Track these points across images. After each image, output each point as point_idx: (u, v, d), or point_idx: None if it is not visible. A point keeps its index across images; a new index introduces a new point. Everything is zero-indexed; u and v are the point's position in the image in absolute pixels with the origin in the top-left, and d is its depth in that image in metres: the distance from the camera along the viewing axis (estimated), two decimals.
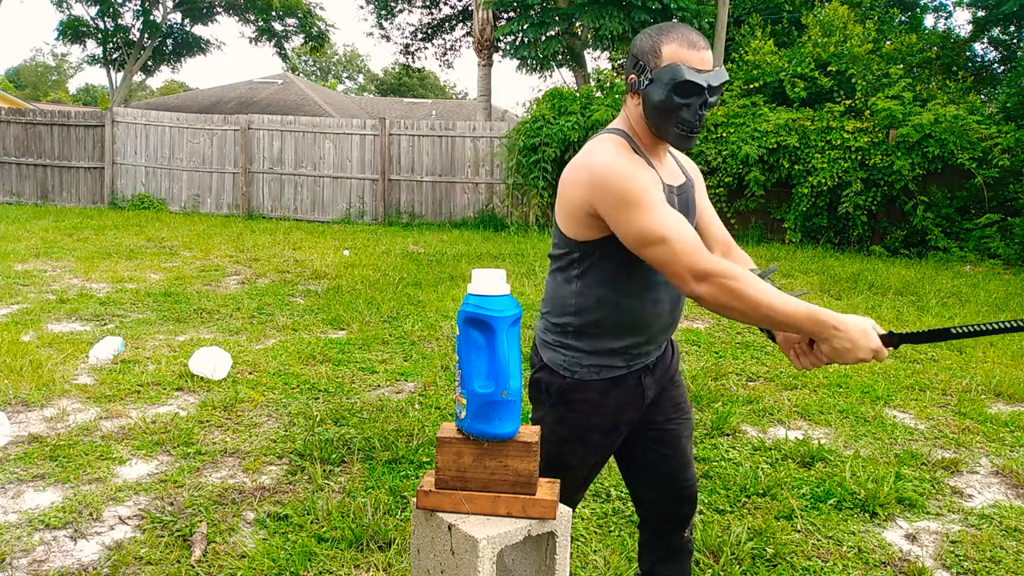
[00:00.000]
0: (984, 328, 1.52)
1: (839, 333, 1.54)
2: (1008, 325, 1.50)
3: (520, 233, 12.53)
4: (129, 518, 2.94)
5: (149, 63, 26.39)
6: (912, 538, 2.97)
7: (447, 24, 24.97)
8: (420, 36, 25.27)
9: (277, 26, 26.59)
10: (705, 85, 1.63)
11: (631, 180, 1.62)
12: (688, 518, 2.03)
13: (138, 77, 28.08)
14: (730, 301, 1.56)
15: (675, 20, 15.52)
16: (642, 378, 1.85)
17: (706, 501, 3.19)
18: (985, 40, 18.30)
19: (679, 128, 1.68)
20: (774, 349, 5.69)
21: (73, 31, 24.66)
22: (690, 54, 1.65)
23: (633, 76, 1.71)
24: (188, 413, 4.04)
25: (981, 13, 17.08)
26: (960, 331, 1.55)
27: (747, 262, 1.92)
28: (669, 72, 1.64)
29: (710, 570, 2.65)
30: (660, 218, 1.60)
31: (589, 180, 1.67)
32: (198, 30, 27.48)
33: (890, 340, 1.58)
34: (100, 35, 24.89)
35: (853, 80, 12.52)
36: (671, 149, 1.87)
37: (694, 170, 1.96)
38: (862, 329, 1.54)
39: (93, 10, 24.54)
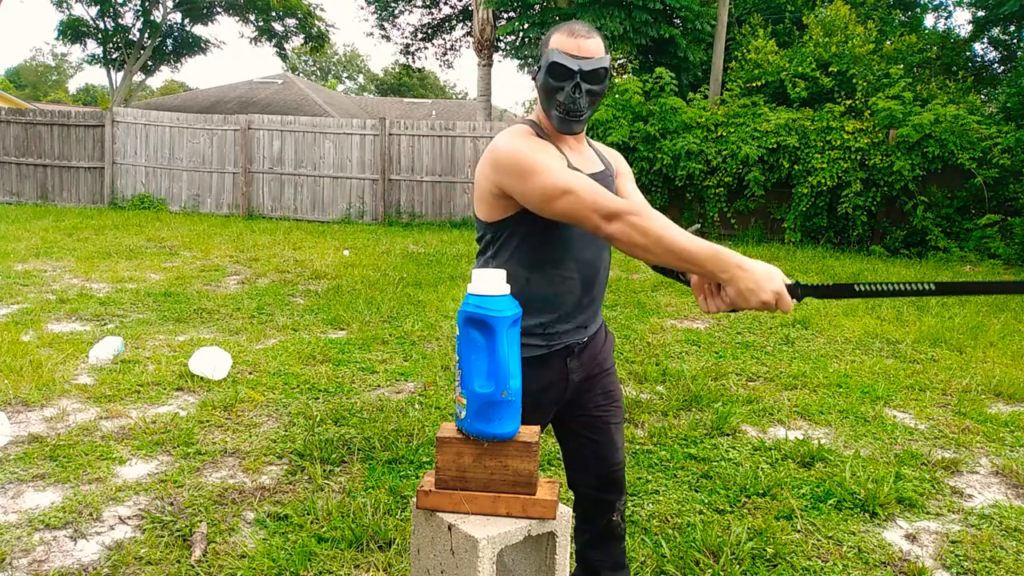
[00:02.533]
0: (887, 289, 1.54)
1: (742, 273, 1.55)
2: (911, 287, 1.53)
3: None
4: (129, 518, 2.94)
5: (149, 63, 26.39)
6: (912, 538, 2.97)
7: (447, 24, 24.98)
8: (420, 36, 25.28)
9: (277, 26, 26.58)
10: (576, 69, 1.77)
11: (527, 152, 1.74)
12: (614, 503, 2.09)
13: (138, 77, 28.07)
14: (638, 238, 1.61)
15: (677, 20, 15.52)
16: (567, 360, 1.92)
17: (706, 501, 3.19)
18: (985, 40, 18.29)
19: (558, 110, 1.81)
20: (774, 349, 5.69)
21: (73, 31, 24.65)
22: (567, 41, 1.79)
23: (534, 68, 1.90)
24: (188, 413, 4.04)
25: (981, 13, 17.07)
26: (863, 289, 1.56)
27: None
28: (546, 57, 1.81)
29: (710, 570, 2.65)
30: (560, 173, 1.70)
31: (492, 161, 1.80)
32: (198, 30, 27.50)
33: (795, 291, 1.59)
34: (100, 35, 24.89)
35: (854, 80, 12.52)
36: (592, 142, 2.01)
37: (618, 161, 2.06)
38: (767, 271, 1.55)
39: (93, 10, 24.55)
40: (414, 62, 26.98)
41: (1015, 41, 17.82)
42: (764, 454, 3.70)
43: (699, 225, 2.13)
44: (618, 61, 15.83)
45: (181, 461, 3.46)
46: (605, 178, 1.92)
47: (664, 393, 4.57)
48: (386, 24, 25.32)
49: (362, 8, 29.71)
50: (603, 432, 2.04)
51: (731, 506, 3.15)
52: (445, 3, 24.25)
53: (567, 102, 1.79)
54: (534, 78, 1.88)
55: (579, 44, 1.78)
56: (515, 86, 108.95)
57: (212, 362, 4.59)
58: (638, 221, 1.61)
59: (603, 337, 2.04)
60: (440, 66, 36.96)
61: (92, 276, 7.74)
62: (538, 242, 1.84)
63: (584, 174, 1.79)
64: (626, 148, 12.29)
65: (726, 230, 12.43)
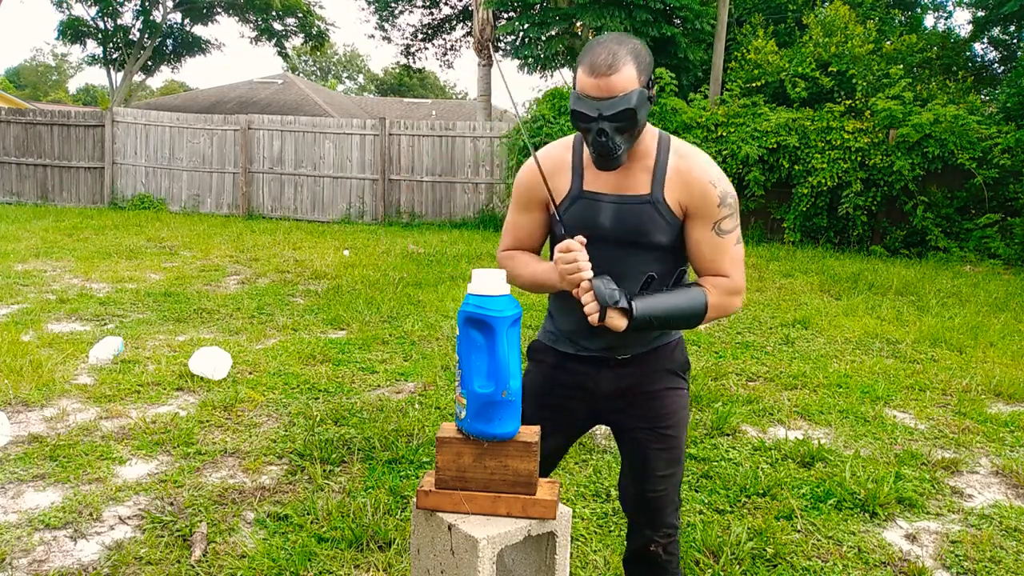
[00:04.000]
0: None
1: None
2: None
3: None
4: (129, 518, 2.94)
5: (149, 63, 26.38)
6: (912, 538, 2.97)
7: (447, 24, 24.97)
8: (420, 36, 25.28)
9: (277, 26, 26.57)
10: (595, 115, 1.69)
11: (515, 184, 1.98)
12: (649, 535, 2.00)
13: (138, 77, 28.06)
14: (510, 278, 1.80)
15: (677, 20, 15.51)
16: (599, 370, 1.94)
17: (706, 501, 3.19)
18: (985, 40, 18.29)
19: (592, 149, 1.75)
20: (774, 349, 5.69)
21: (73, 31, 24.64)
22: (586, 81, 1.70)
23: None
24: (188, 413, 4.04)
25: (981, 13, 17.07)
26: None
27: (716, 296, 1.84)
28: (571, 98, 1.76)
29: (710, 570, 2.65)
30: (504, 229, 2.02)
31: None
32: (198, 30, 27.46)
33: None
34: (100, 35, 24.87)
35: (854, 80, 12.52)
36: (687, 155, 1.85)
37: (696, 195, 1.82)
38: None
39: (93, 10, 24.54)
40: (414, 62, 26.98)
41: (1015, 41, 17.82)
42: (764, 454, 3.70)
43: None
44: None
45: (181, 461, 3.46)
46: (636, 205, 1.81)
47: None
48: (386, 24, 25.32)
49: (363, 9, 29.73)
50: (638, 456, 1.98)
51: (731, 506, 3.15)
52: (445, 3, 24.24)
53: (595, 145, 1.72)
54: None
55: (598, 84, 1.68)
56: (515, 86, 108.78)
57: (212, 362, 4.59)
58: (506, 264, 1.96)
59: (656, 360, 1.96)
60: (440, 66, 36.99)
61: (92, 276, 7.74)
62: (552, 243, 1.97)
63: (604, 195, 1.83)
64: None
65: None
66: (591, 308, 1.70)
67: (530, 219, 1.96)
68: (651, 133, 1.84)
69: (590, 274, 1.71)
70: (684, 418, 2.00)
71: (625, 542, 2.12)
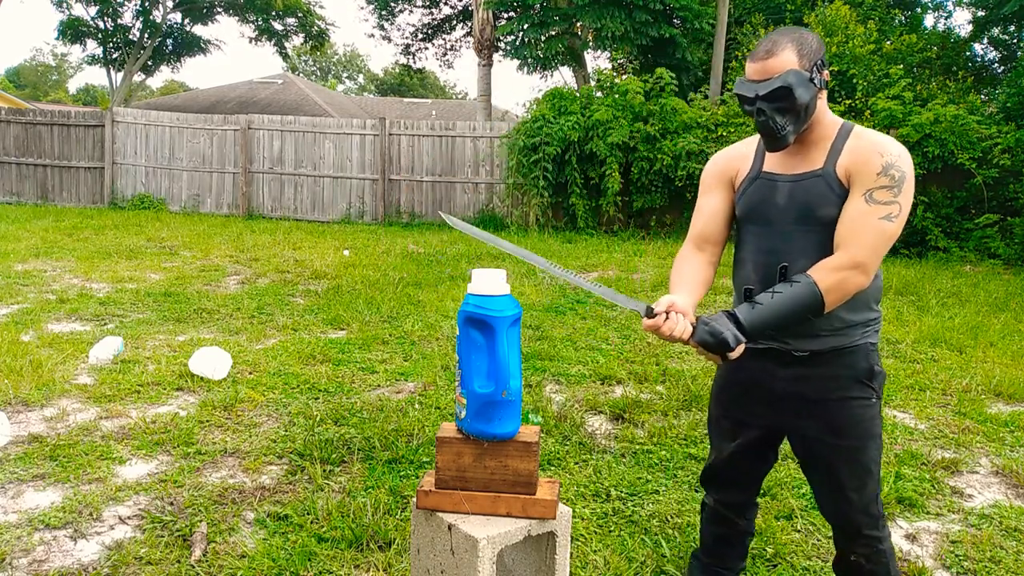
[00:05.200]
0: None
1: None
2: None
3: (520, 233, 12.53)
4: (129, 518, 2.94)
5: (149, 63, 26.38)
6: (912, 538, 2.97)
7: (447, 24, 24.97)
8: (420, 36, 25.27)
9: (277, 26, 26.57)
10: (752, 95, 1.80)
11: (703, 174, 2.09)
12: (844, 543, 2.00)
13: (138, 77, 28.06)
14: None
15: (677, 20, 15.52)
16: (776, 366, 1.93)
17: None
18: (985, 40, 18.29)
19: (757, 129, 1.86)
20: None
21: (73, 31, 24.64)
22: (748, 67, 1.84)
23: None
24: (188, 413, 4.04)
25: (981, 13, 17.07)
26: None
27: (819, 271, 1.80)
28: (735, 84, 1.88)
29: None
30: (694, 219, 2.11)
31: None
32: (198, 30, 27.45)
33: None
34: (100, 35, 24.87)
35: (854, 80, 12.52)
36: (860, 133, 1.87)
37: (859, 163, 1.80)
38: None
39: (93, 10, 24.54)
40: (414, 62, 26.97)
41: (1015, 41, 17.82)
42: None
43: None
44: (618, 61, 15.83)
45: (181, 461, 3.45)
46: (808, 180, 1.86)
47: (664, 393, 4.57)
48: (386, 24, 25.32)
49: (362, 8, 29.72)
50: (823, 469, 1.95)
51: None
52: (445, 3, 24.24)
53: (758, 126, 1.83)
54: None
55: (754, 67, 1.81)
56: (515, 86, 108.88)
57: (212, 362, 4.59)
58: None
59: (838, 365, 1.90)
60: (440, 66, 36.98)
61: (92, 276, 7.74)
62: (736, 242, 2.05)
63: (768, 173, 1.92)
64: (626, 148, 12.30)
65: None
66: (712, 360, 1.77)
67: (713, 200, 2.03)
68: (833, 121, 1.89)
69: (687, 335, 1.73)
70: (871, 431, 1.91)
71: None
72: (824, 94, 1.86)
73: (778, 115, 1.78)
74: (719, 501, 2.20)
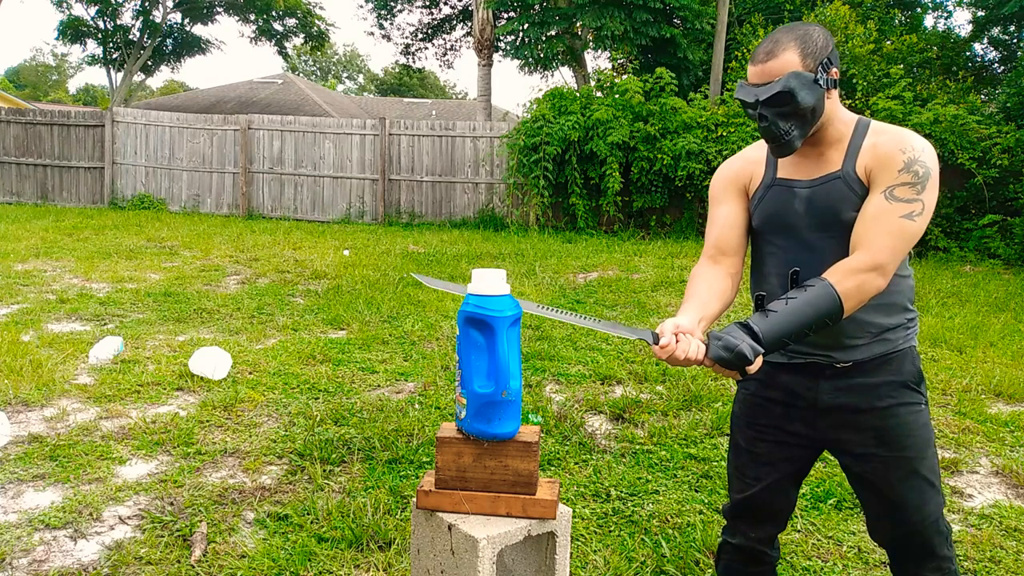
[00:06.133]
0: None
1: None
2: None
3: (520, 233, 12.53)
4: (129, 518, 2.94)
5: (149, 63, 26.38)
6: None
7: (447, 24, 24.97)
8: (420, 36, 25.27)
9: (277, 26, 26.58)
10: (752, 100, 1.71)
11: (712, 183, 1.96)
12: (910, 568, 1.82)
13: (138, 77, 28.06)
14: None
15: (677, 20, 15.52)
16: (816, 380, 1.80)
17: (706, 501, 3.19)
18: (985, 40, 18.28)
19: (762, 136, 1.76)
20: None
21: (73, 31, 24.65)
22: (749, 70, 1.75)
23: None
24: (188, 413, 4.04)
25: (981, 13, 17.06)
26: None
27: (835, 274, 1.69)
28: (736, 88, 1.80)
29: (710, 570, 2.65)
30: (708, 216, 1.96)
31: None
32: (198, 30, 27.47)
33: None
34: (100, 35, 24.88)
35: (854, 80, 12.52)
36: (879, 130, 1.78)
37: (881, 158, 1.71)
38: None
39: (93, 10, 24.54)
40: (414, 62, 26.98)
41: (1015, 41, 17.81)
42: None
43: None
44: (618, 61, 15.83)
45: (181, 461, 3.45)
46: (827, 183, 1.76)
47: (664, 393, 4.57)
48: (386, 24, 25.33)
49: (361, 7, 29.72)
50: (881, 487, 1.79)
51: None
52: (445, 3, 24.24)
53: (762, 132, 1.73)
54: None
55: (755, 70, 1.72)
56: (515, 86, 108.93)
57: (212, 362, 4.59)
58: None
59: (883, 371, 1.78)
60: (440, 66, 36.99)
61: (92, 276, 7.74)
62: (753, 254, 1.89)
63: (797, 181, 1.79)
64: (626, 148, 12.30)
65: None
66: (730, 376, 1.62)
67: (726, 209, 1.89)
68: (846, 119, 1.78)
69: (700, 354, 1.60)
70: (926, 438, 1.79)
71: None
72: (834, 93, 1.74)
73: (781, 120, 1.69)
74: (754, 538, 1.95)
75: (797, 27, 1.74)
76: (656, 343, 1.60)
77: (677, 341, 1.59)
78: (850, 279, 1.64)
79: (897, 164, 1.68)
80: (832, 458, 3.62)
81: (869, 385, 1.77)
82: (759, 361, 1.60)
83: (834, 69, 1.72)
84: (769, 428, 1.88)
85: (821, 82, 1.69)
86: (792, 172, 1.81)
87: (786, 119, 1.69)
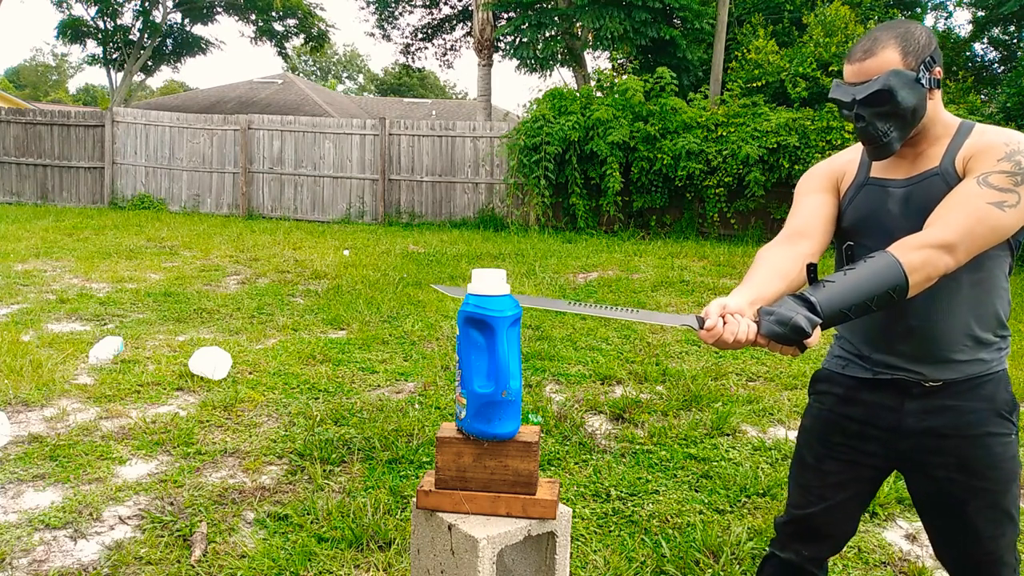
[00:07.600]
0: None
1: None
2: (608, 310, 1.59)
3: (520, 233, 12.53)
4: (129, 518, 2.94)
5: (149, 63, 26.37)
6: (912, 538, 2.97)
7: (447, 24, 24.97)
8: (420, 36, 25.28)
9: (277, 26, 26.57)
10: (849, 100, 1.63)
11: (805, 177, 1.85)
12: None
13: (138, 77, 28.05)
14: None
15: (677, 20, 15.51)
16: (902, 400, 1.70)
17: (706, 501, 3.19)
18: (985, 40, 18.29)
19: (859, 137, 1.67)
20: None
21: (73, 31, 24.63)
22: (845, 68, 1.66)
23: None
24: (188, 413, 4.04)
25: (981, 13, 17.07)
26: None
27: (900, 247, 1.57)
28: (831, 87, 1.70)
29: (710, 570, 2.65)
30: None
31: None
32: (198, 30, 27.44)
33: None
34: (100, 35, 24.87)
35: None
36: (979, 130, 1.68)
37: (979, 148, 1.62)
38: None
39: (93, 10, 24.53)
40: (414, 62, 26.98)
41: (1015, 41, 17.82)
42: (764, 454, 3.70)
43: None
44: (618, 61, 15.83)
45: (181, 461, 3.45)
46: (924, 181, 1.66)
47: (664, 393, 4.57)
48: (386, 24, 25.32)
49: (362, 8, 29.73)
50: (955, 514, 1.69)
51: (731, 506, 3.15)
52: (445, 3, 24.24)
53: (859, 133, 1.64)
54: None
55: (851, 69, 1.63)
56: (515, 86, 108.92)
57: (212, 362, 4.59)
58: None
59: (973, 395, 1.67)
60: (440, 66, 36.99)
61: (92, 276, 7.74)
62: (838, 261, 1.70)
63: (893, 181, 1.69)
64: (626, 148, 12.30)
65: (726, 230, 12.43)
66: (788, 353, 1.50)
67: (814, 199, 1.77)
68: (948, 122, 1.68)
69: (752, 333, 1.47)
70: (1013, 471, 1.68)
71: None
72: (937, 94, 1.64)
73: (879, 120, 1.59)
74: (807, 557, 1.84)
75: (898, 24, 1.64)
76: (701, 327, 1.49)
77: (724, 323, 1.48)
78: (916, 253, 1.51)
79: (998, 153, 1.58)
80: None
81: (959, 410, 1.67)
82: (817, 333, 1.47)
83: (937, 68, 1.63)
84: (843, 447, 1.77)
85: (923, 81, 1.60)
86: (886, 171, 1.71)
87: (885, 120, 1.60)
